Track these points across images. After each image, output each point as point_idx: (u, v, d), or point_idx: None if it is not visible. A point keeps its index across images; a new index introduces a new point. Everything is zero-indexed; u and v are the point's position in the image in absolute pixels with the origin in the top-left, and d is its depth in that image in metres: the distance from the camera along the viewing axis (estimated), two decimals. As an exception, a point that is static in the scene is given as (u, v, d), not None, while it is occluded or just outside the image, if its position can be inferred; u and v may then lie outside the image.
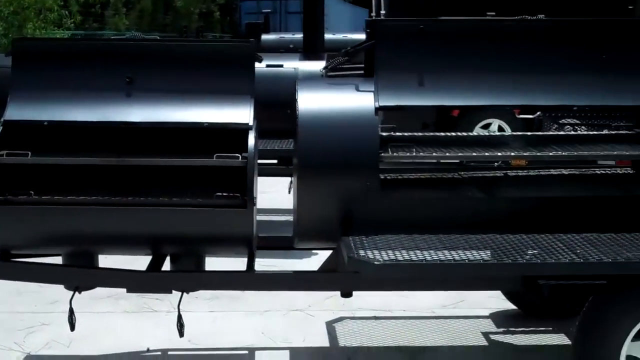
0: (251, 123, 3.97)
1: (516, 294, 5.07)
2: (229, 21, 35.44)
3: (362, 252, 3.57)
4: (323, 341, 4.90)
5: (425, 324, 5.16)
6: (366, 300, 5.28)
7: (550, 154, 3.98)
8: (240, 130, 3.96)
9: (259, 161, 6.75)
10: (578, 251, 3.57)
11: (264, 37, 13.66)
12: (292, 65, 7.15)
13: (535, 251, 3.58)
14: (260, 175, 6.40)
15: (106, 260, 4.35)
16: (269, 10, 19.04)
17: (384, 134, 4.39)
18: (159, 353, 4.71)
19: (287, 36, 13.95)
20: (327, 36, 12.95)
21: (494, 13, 12.57)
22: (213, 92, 4.06)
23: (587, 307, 3.71)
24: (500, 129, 9.36)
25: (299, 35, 9.25)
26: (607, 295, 3.67)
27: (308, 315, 5.29)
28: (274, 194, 7.72)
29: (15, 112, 3.98)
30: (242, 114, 3.98)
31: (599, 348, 3.63)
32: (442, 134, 4.58)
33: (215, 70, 4.09)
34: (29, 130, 3.97)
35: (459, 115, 9.24)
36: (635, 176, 4.50)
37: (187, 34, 15.55)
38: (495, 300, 5.32)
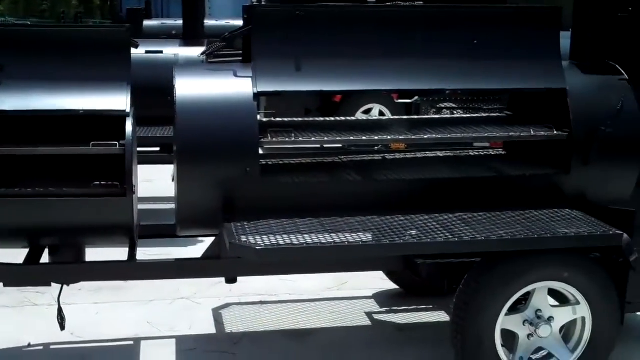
0: (128, 110, 3.90)
1: (397, 274, 5.20)
2: (109, 7, 34.58)
3: (243, 238, 3.58)
4: (209, 328, 4.90)
5: (311, 307, 5.22)
6: (252, 286, 5.30)
7: (425, 136, 4.09)
8: (117, 118, 3.89)
9: (141, 149, 6.66)
10: (453, 230, 3.70)
11: (146, 23, 13.38)
12: (172, 51, 7.06)
13: (414, 232, 3.67)
14: (143, 163, 6.34)
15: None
16: (151, -4, 18.65)
17: (264, 119, 4.42)
18: (41, 348, 4.59)
19: (170, 22, 13.71)
20: (210, 22, 12.83)
21: (374, -1, 12.78)
22: (88, 79, 3.96)
23: (463, 284, 3.84)
24: (381, 113, 9.52)
25: (181, 21, 9.13)
26: (482, 272, 3.80)
27: (194, 303, 5.27)
28: (159, 182, 7.63)
29: None
30: (118, 100, 3.91)
31: (476, 323, 3.77)
32: (322, 119, 4.65)
33: (89, 57, 4.00)
34: None
35: (341, 100, 9.33)
36: (506, 157, 4.68)
37: (65, 20, 15.06)
38: (378, 281, 5.44)
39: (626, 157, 4.15)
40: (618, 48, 4.35)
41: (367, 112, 9.56)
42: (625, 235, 3.75)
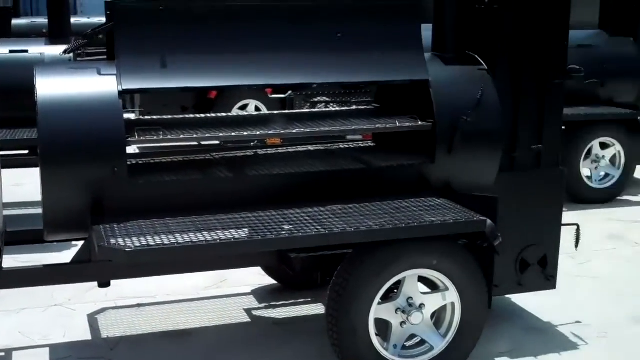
0: None
1: (275, 269, 5.21)
2: (-24, 5, 33.13)
3: (113, 240, 3.51)
4: (85, 334, 4.77)
5: (190, 307, 5.16)
6: (129, 288, 5.20)
7: (295, 131, 4.11)
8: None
9: (8, 153, 6.43)
10: (324, 223, 3.73)
11: (14, 21, 12.94)
12: (38, 50, 6.85)
13: (286, 226, 3.69)
14: (10, 167, 6.12)
15: None
16: (18, -7, 18.05)
17: (133, 117, 4.33)
18: None
19: (40, 20, 13.31)
20: (81, 20, 12.54)
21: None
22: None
23: (335, 275, 3.88)
24: (257, 109, 9.51)
25: (52, 20, 8.88)
26: (353, 263, 3.85)
27: (69, 309, 5.12)
28: (29, 186, 7.38)
29: None
30: None
31: (349, 313, 3.83)
32: (193, 115, 4.60)
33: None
34: None
35: (217, 97, 9.26)
36: (375, 148, 4.76)
37: None
38: (256, 277, 5.43)
39: (488, 145, 4.29)
40: (477, 39, 4.49)
41: (243, 107, 9.53)
42: (488, 221, 3.88)
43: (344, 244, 3.80)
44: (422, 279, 4.02)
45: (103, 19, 12.00)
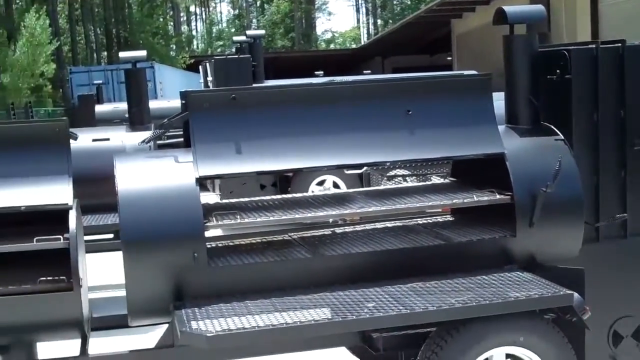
0: (71, 202, 3.87)
1: (357, 349, 5.12)
2: (61, 94, 34.55)
3: (194, 325, 3.53)
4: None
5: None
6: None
7: (371, 209, 4.10)
8: (60, 211, 3.85)
9: (94, 237, 6.56)
10: (406, 302, 3.68)
11: (98, 108, 13.46)
12: (119, 138, 7.06)
13: (368, 306, 3.65)
14: (99, 251, 6.24)
15: None
16: (100, 82, 18.82)
17: (210, 202, 4.40)
18: None
19: (122, 106, 13.83)
20: (162, 104, 12.92)
21: (322, 72, 13.01)
22: (29, 175, 3.94)
23: (420, 355, 3.80)
24: (335, 184, 9.57)
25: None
26: (437, 342, 3.76)
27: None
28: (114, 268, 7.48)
29: None
30: (60, 194, 3.88)
31: (435, 392, 3.72)
32: (269, 197, 4.64)
33: (28, 153, 3.98)
34: None
35: (294, 174, 9.35)
36: (454, 222, 4.69)
37: (14, 111, 15.03)
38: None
39: (569, 216, 4.18)
40: (551, 110, 4.43)
41: (321, 183, 9.61)
42: (575, 295, 3.76)
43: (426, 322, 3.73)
44: (509, 356, 3.90)
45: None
